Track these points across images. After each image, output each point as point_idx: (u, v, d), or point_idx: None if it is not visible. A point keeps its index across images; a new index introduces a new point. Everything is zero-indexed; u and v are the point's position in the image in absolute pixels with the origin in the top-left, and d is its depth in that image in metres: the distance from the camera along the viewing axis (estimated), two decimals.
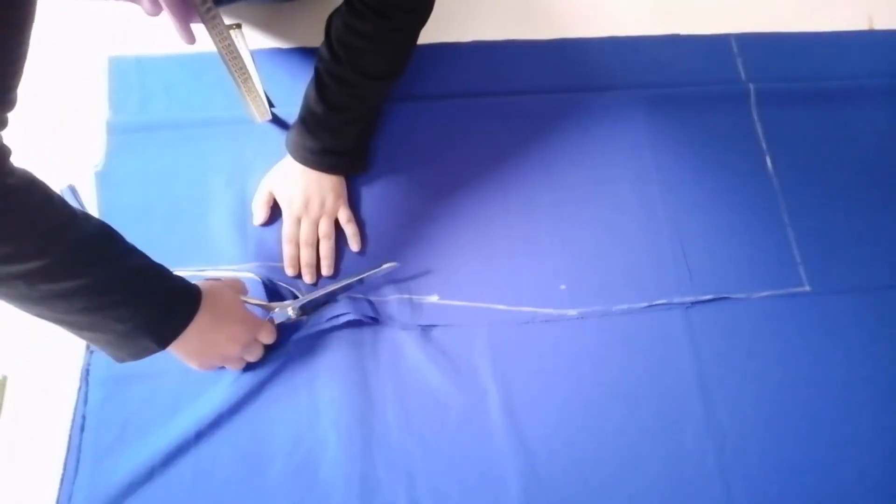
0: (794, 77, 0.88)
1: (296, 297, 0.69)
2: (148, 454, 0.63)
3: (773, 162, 0.83)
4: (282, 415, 0.66)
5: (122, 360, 0.55)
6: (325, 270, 0.72)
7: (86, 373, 0.65)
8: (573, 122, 0.81)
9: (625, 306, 0.73)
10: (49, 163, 0.73)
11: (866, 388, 0.72)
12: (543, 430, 0.67)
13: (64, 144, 0.75)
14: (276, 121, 0.77)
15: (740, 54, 0.89)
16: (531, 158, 0.80)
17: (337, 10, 0.68)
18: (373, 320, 0.69)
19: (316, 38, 0.73)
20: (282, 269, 0.71)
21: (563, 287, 0.74)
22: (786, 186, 0.81)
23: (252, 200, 0.74)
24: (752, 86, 0.86)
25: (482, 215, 0.76)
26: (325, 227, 0.72)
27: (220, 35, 0.60)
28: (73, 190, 0.72)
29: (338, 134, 0.71)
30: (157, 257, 0.71)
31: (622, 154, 0.81)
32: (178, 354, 0.58)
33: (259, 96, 0.71)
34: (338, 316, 0.68)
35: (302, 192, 0.71)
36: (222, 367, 0.65)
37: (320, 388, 0.67)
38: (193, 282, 0.59)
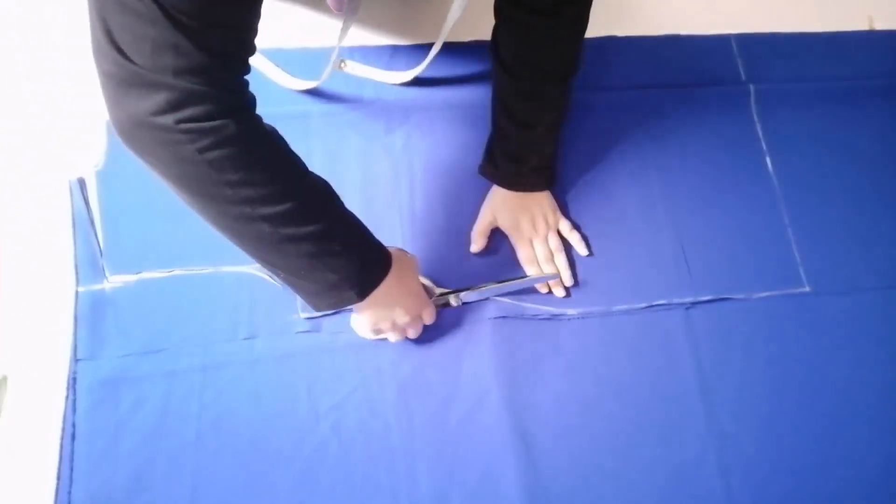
0: (794, 77, 0.88)
1: None
2: (145, 459, 0.63)
3: (772, 162, 0.83)
4: (282, 420, 0.66)
5: (320, 309, 0.60)
6: (569, 281, 0.73)
7: (72, 381, 0.65)
8: (573, 122, 0.81)
9: (625, 306, 0.73)
10: (49, 162, 0.73)
11: (866, 388, 0.72)
12: (544, 429, 0.67)
13: (64, 144, 0.75)
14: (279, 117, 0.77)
15: (740, 54, 0.89)
16: None
17: (493, 39, 0.68)
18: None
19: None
20: None
21: None
22: (786, 186, 0.81)
23: None
24: (752, 86, 0.86)
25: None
26: (554, 242, 0.74)
27: None
28: (81, 183, 0.72)
29: (539, 149, 0.73)
30: (157, 256, 0.71)
31: (622, 154, 0.81)
32: (360, 309, 0.62)
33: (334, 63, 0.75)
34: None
35: (525, 215, 0.74)
36: (384, 339, 0.67)
37: (320, 393, 0.67)
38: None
